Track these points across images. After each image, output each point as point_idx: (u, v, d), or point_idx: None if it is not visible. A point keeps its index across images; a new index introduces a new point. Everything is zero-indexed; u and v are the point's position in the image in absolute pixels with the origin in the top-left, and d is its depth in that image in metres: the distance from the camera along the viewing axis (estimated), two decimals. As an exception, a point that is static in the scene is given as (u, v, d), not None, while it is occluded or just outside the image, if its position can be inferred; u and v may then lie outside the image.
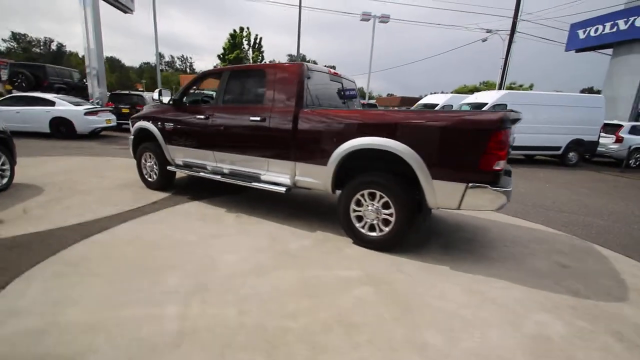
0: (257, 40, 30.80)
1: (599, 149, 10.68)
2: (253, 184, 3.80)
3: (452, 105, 12.82)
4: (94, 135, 10.53)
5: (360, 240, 3.24)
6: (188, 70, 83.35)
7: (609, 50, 17.18)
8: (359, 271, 2.73)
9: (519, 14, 18.27)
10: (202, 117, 4.16)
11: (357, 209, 3.22)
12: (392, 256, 3.05)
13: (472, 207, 2.70)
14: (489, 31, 21.53)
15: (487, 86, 39.67)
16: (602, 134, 10.56)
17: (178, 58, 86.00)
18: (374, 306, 2.24)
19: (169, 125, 4.56)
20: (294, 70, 3.53)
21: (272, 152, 3.64)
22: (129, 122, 5.28)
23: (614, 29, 15.89)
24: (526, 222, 4.42)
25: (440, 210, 4.36)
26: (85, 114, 9.57)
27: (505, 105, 9.76)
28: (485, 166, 2.55)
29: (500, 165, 2.55)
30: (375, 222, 3.13)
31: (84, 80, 14.14)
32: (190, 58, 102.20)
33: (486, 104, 9.98)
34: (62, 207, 3.95)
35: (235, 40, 29.65)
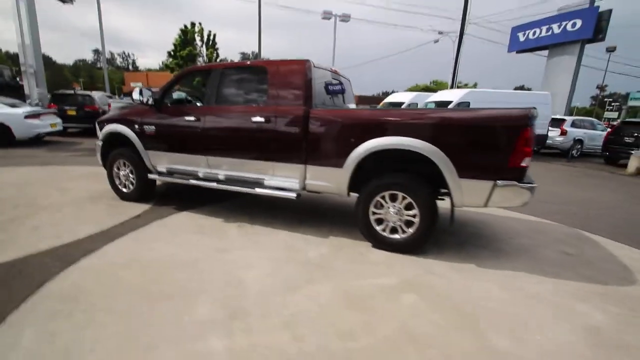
0: (211, 37, 29.42)
1: (547, 141, 11.77)
2: (257, 190, 3.52)
3: (417, 104, 13.29)
4: (36, 141, 9.23)
5: (381, 244, 3.14)
6: (130, 67, 77.56)
7: (545, 52, 19.00)
8: (394, 277, 2.63)
9: (467, 18, 19.61)
10: (192, 119, 3.76)
11: (376, 211, 3.12)
12: (416, 258, 2.99)
13: (498, 204, 2.73)
14: (440, 32, 22.75)
15: (437, 85, 42.08)
16: (550, 128, 11.65)
17: (119, 55, 79.62)
18: (427, 314, 2.15)
19: (150, 129, 4.08)
20: (299, 67, 3.31)
21: (279, 155, 3.39)
22: (96, 125, 4.64)
23: (550, 33, 17.61)
24: (515, 214, 4.64)
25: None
26: (26, 117, 8.31)
27: (469, 102, 10.33)
28: (514, 163, 2.58)
29: (527, 161, 2.60)
30: (397, 224, 3.05)
31: (17, 78, 12.31)
32: (133, 55, 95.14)
33: (451, 101, 10.47)
34: (28, 228, 3.34)
35: (187, 37, 28.02)
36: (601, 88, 38.03)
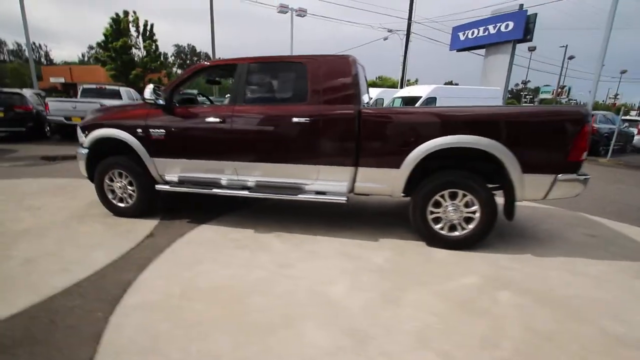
0: (148, 27, 26.81)
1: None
2: (299, 196, 3.26)
3: (383, 99, 13.66)
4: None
5: (439, 242, 3.12)
6: (44, 60, 67.40)
7: (482, 51, 20.89)
8: (476, 276, 2.62)
9: (413, 17, 20.77)
10: (216, 120, 3.34)
11: (434, 210, 3.09)
12: (476, 253, 3.03)
13: (556, 196, 2.88)
14: (389, 31, 23.64)
15: (382, 80, 43.87)
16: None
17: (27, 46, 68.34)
18: (535, 310, 2.18)
19: (157, 133, 3.52)
20: (345, 64, 3.13)
21: (326, 158, 3.16)
22: (78, 130, 3.88)
23: (486, 33, 19.38)
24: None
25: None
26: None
27: (435, 98, 10.92)
28: (574, 157, 2.74)
29: (584, 155, 2.78)
30: (456, 222, 3.06)
31: None
32: (45, 46, 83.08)
33: (420, 97, 10.97)
34: (18, 263, 2.66)
35: (119, 26, 25.15)
36: (525, 83, 43.40)
